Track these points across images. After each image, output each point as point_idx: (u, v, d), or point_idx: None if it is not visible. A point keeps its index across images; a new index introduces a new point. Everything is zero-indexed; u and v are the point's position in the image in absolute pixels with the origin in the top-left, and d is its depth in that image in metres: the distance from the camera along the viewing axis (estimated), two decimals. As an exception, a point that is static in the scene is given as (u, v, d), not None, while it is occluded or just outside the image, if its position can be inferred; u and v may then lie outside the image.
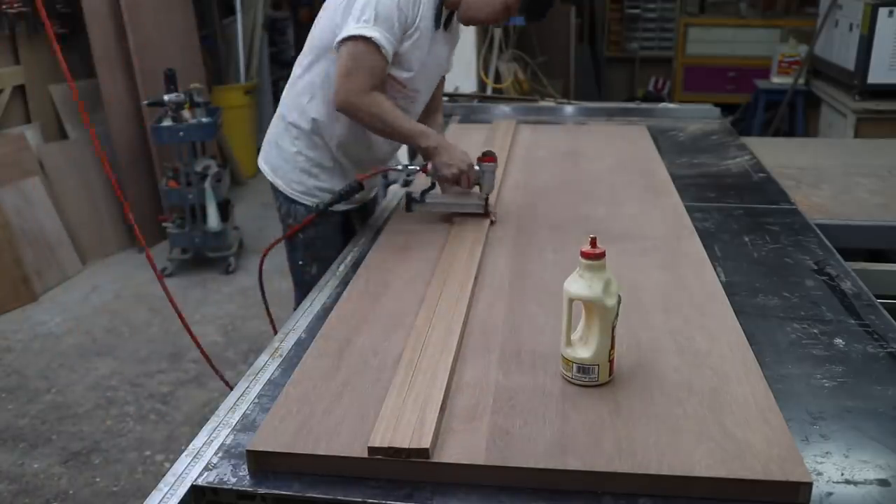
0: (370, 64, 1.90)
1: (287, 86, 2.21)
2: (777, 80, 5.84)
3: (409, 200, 2.09)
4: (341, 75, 1.91)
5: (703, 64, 7.26)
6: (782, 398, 1.28)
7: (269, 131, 2.28)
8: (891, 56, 4.46)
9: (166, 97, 4.24)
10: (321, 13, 2.07)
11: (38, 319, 4.01)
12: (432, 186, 2.10)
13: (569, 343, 1.31)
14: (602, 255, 1.27)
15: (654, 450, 1.13)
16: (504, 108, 3.73)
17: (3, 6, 4.33)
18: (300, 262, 2.29)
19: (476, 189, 2.08)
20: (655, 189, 2.39)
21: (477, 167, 2.04)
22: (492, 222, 2.05)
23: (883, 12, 4.41)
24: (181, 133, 4.29)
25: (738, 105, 6.20)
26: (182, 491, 1.13)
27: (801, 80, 5.50)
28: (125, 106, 4.77)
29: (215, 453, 1.21)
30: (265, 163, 2.28)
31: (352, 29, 1.86)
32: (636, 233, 2.02)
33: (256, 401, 1.36)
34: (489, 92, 4.90)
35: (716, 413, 1.22)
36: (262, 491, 1.13)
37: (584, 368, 1.29)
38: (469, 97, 4.33)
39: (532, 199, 2.31)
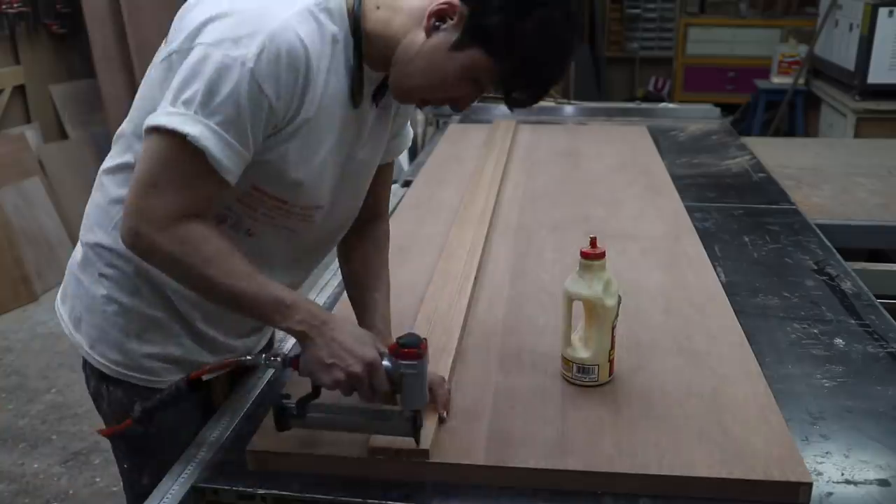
0: (187, 175, 1.07)
1: (93, 190, 1.41)
2: (777, 80, 5.84)
3: (281, 415, 1.14)
4: (138, 188, 1.08)
5: (703, 64, 7.26)
6: (782, 398, 1.28)
7: (71, 258, 1.46)
8: (891, 56, 4.46)
9: (166, 97, 4.23)
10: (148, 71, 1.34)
11: (38, 319, 4.01)
12: (316, 393, 1.15)
13: (569, 343, 1.31)
14: (602, 255, 1.27)
15: (654, 450, 1.13)
16: (504, 108, 3.71)
17: (3, 6, 4.33)
18: (125, 466, 1.53)
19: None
20: (655, 189, 2.39)
21: (388, 364, 1.11)
22: (441, 421, 1.20)
23: (883, 12, 4.40)
24: (181, 133, 4.28)
25: (738, 105, 6.20)
26: (182, 491, 1.13)
27: (801, 80, 5.50)
28: (125, 106, 4.74)
29: (215, 453, 1.21)
30: (63, 308, 1.50)
31: (162, 114, 1.07)
32: (636, 233, 2.02)
33: (256, 401, 1.35)
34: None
35: (716, 413, 1.22)
36: (262, 491, 1.13)
37: (584, 369, 1.29)
38: (469, 97, 4.32)
39: (532, 199, 2.30)
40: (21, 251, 4.16)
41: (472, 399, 1.27)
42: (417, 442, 1.11)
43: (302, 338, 1.11)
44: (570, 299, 1.29)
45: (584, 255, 1.27)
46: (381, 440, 1.14)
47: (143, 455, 1.39)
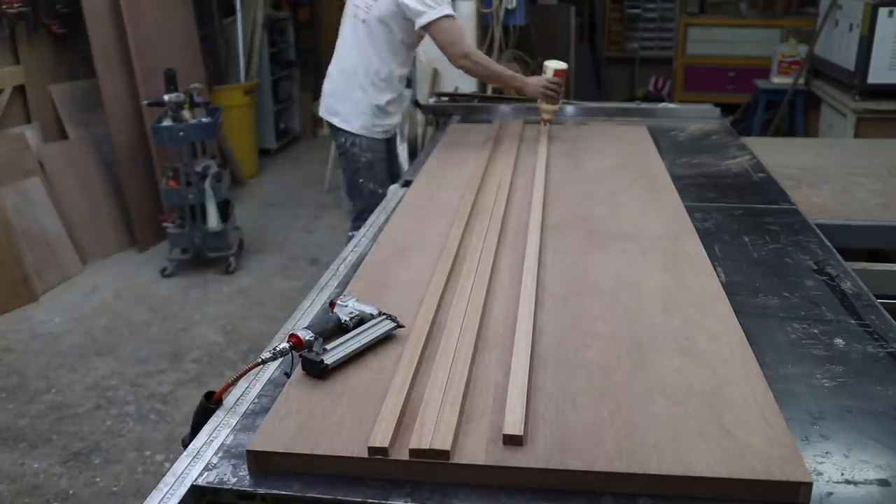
0: (460, 29, 2.96)
1: (343, 55, 3.14)
2: (777, 80, 5.85)
3: (314, 362, 1.36)
4: (451, 45, 2.89)
5: (703, 64, 7.27)
6: (782, 398, 1.28)
7: (337, 93, 3.17)
8: (891, 56, 4.46)
9: (166, 97, 4.24)
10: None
11: (38, 319, 4.01)
12: (338, 330, 1.48)
13: None
14: None
15: (654, 450, 1.13)
16: (504, 108, 3.73)
17: (3, 6, 4.33)
18: (361, 181, 3.19)
19: (376, 318, 1.52)
20: (655, 189, 2.39)
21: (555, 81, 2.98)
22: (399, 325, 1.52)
23: (883, 12, 4.41)
24: (181, 133, 4.29)
25: (738, 105, 6.20)
26: (182, 491, 1.13)
27: (801, 80, 5.50)
28: (125, 106, 4.77)
29: (215, 453, 1.21)
30: (328, 112, 3.23)
31: (434, 13, 2.82)
32: (636, 233, 2.02)
33: (256, 401, 1.36)
34: (489, 92, 4.89)
35: (716, 413, 1.22)
36: (262, 491, 1.13)
37: None
38: (469, 97, 4.33)
39: (532, 199, 2.30)
40: (21, 251, 4.16)
41: (472, 399, 1.27)
42: (401, 325, 1.49)
43: (524, 84, 3.03)
44: None
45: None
46: (381, 440, 1.14)
47: (371, 170, 3.24)
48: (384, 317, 1.50)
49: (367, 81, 3.08)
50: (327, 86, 3.24)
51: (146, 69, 4.71)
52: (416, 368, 1.35)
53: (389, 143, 3.35)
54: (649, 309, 1.57)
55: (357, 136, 3.15)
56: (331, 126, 3.25)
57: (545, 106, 3.03)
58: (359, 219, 3.14)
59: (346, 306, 1.51)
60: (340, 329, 1.46)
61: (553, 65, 3.01)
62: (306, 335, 1.37)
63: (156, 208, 4.84)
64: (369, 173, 3.19)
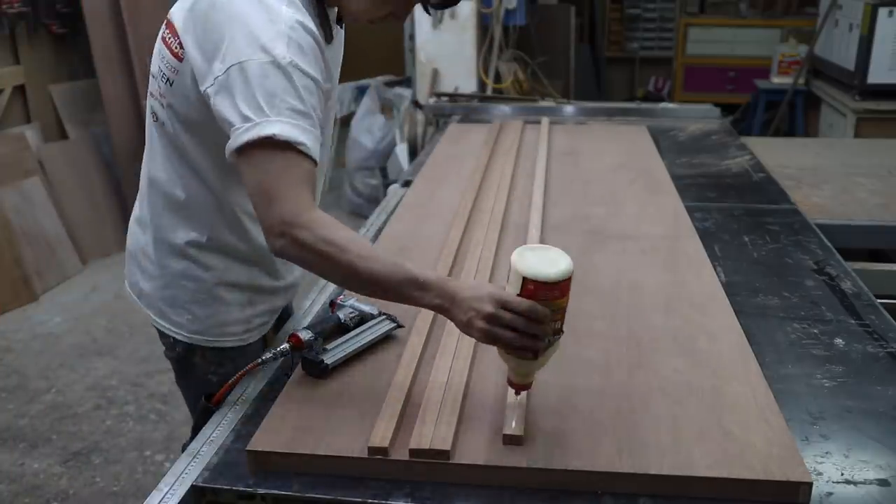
0: (301, 174, 1.18)
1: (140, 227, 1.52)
2: (777, 80, 5.84)
3: (314, 362, 1.33)
4: (264, 207, 1.18)
5: (703, 64, 7.26)
6: (782, 398, 1.28)
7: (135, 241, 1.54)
8: (891, 56, 4.46)
9: (166, 97, 4.24)
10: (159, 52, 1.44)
11: (38, 319, 4.01)
12: (339, 330, 1.44)
13: None
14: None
15: (654, 450, 1.13)
16: (504, 108, 3.73)
17: (3, 6, 4.33)
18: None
19: (376, 318, 1.46)
20: (655, 189, 2.39)
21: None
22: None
23: (883, 12, 4.41)
24: (181, 133, 4.28)
25: (738, 105, 6.20)
26: (182, 491, 1.13)
27: (801, 80, 5.50)
28: (125, 106, 4.77)
29: (215, 453, 1.21)
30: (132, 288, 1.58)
31: (253, 129, 1.15)
32: (636, 233, 2.02)
33: (256, 401, 1.36)
34: (489, 92, 4.90)
35: (716, 413, 1.22)
36: (262, 491, 1.13)
37: None
38: (469, 97, 4.33)
39: (531, 199, 2.30)
40: (21, 251, 4.16)
41: (472, 399, 1.27)
42: (401, 325, 1.44)
43: (440, 310, 1.20)
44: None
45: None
46: (381, 440, 1.14)
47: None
48: (384, 317, 1.50)
49: (171, 241, 1.46)
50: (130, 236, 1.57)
51: (146, 69, 4.70)
52: (416, 368, 1.35)
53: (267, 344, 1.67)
54: (649, 309, 1.57)
55: (190, 341, 1.53)
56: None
57: (512, 362, 1.19)
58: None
59: (345, 306, 1.51)
60: (340, 329, 1.46)
61: (529, 269, 1.17)
62: (306, 335, 1.37)
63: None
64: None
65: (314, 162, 1.20)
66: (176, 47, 1.30)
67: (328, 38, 1.31)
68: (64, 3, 4.71)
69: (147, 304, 1.53)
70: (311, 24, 1.23)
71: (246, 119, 1.16)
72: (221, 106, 1.19)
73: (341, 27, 1.44)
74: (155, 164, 1.43)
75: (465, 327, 1.17)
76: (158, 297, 1.50)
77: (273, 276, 1.53)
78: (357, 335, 1.44)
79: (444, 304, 1.18)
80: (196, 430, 1.29)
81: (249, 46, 1.17)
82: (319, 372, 1.34)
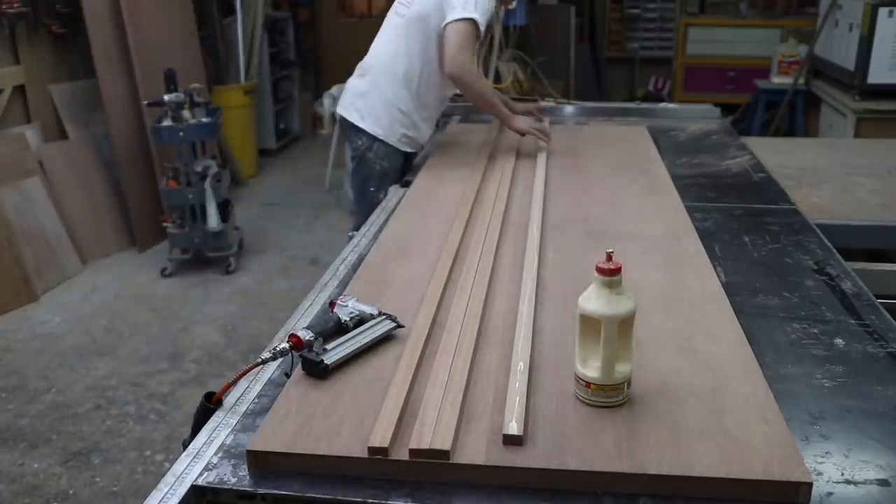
0: (473, 42, 2.66)
1: (379, 53, 2.89)
2: (777, 80, 5.85)
3: (314, 362, 1.37)
4: (454, 47, 2.61)
5: (703, 64, 7.27)
6: (782, 398, 1.28)
7: (358, 88, 2.92)
8: (891, 56, 4.46)
9: (166, 97, 4.24)
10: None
11: (38, 319, 4.01)
12: (339, 330, 1.49)
13: (587, 364, 1.24)
14: (619, 270, 1.19)
15: (654, 450, 1.13)
16: (504, 108, 3.72)
17: (3, 6, 4.33)
18: (372, 189, 2.89)
19: (376, 318, 1.52)
20: (655, 189, 2.39)
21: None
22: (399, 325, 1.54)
23: (883, 12, 4.41)
24: (181, 133, 4.29)
25: (738, 105, 6.20)
26: (182, 491, 1.13)
27: (801, 80, 5.50)
28: (125, 106, 4.77)
29: (215, 453, 1.21)
30: (350, 108, 2.93)
31: (461, 12, 2.60)
32: (636, 233, 2.02)
33: (256, 401, 1.36)
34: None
35: (716, 413, 1.22)
36: (262, 491, 1.13)
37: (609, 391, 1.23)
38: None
39: (531, 199, 2.30)
40: (21, 251, 4.16)
41: (472, 399, 1.27)
42: (401, 325, 1.50)
43: (508, 116, 2.84)
44: (587, 318, 1.21)
45: (599, 270, 1.20)
46: (381, 440, 1.14)
47: (385, 180, 2.88)
48: (384, 317, 1.51)
49: (399, 84, 2.81)
50: (353, 81, 2.95)
51: (146, 69, 4.71)
52: (416, 368, 1.35)
53: (409, 158, 2.99)
54: (649, 309, 1.57)
55: (376, 140, 2.85)
56: (348, 125, 2.93)
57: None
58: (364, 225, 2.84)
59: (346, 306, 1.52)
60: (340, 329, 1.46)
61: None
62: (306, 335, 1.37)
63: (156, 208, 4.84)
64: (381, 183, 2.88)
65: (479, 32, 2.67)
66: None
67: None
68: (64, 3, 4.71)
69: (359, 116, 2.91)
70: None
71: (465, 6, 2.62)
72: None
73: None
74: (387, 48, 2.86)
75: (520, 127, 2.81)
76: (371, 111, 2.89)
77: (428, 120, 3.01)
78: (357, 335, 1.44)
79: (508, 115, 2.84)
80: (195, 429, 1.30)
81: None
82: (319, 372, 1.34)
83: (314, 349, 1.37)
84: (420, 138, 2.95)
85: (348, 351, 1.40)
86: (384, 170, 2.88)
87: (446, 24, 2.62)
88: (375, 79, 2.86)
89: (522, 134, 2.79)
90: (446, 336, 1.45)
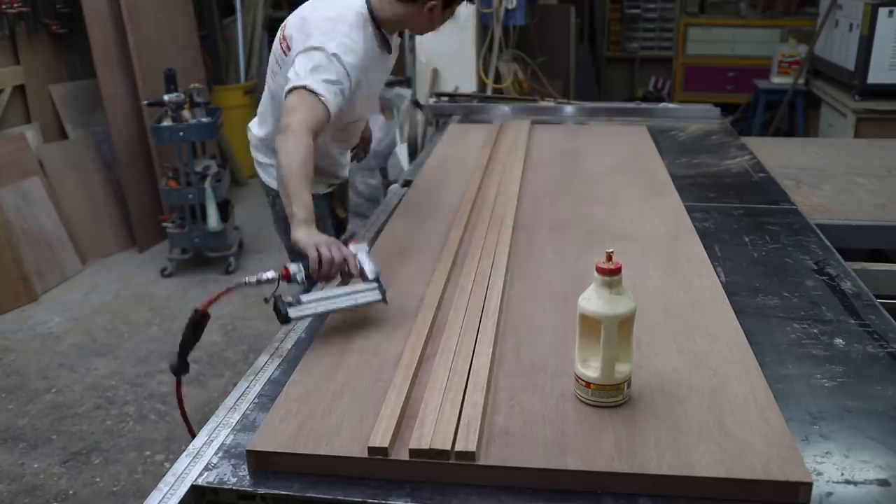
0: (312, 112, 1.83)
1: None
2: (777, 80, 5.84)
3: (279, 308, 1.46)
4: (287, 113, 1.83)
5: (703, 64, 7.27)
6: (782, 398, 1.28)
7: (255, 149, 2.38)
8: (891, 56, 4.46)
9: (166, 97, 4.24)
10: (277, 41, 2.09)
11: (38, 319, 4.01)
12: (310, 283, 1.62)
13: (587, 364, 1.24)
14: (619, 271, 1.20)
15: (654, 450, 1.13)
16: (504, 108, 3.73)
17: (3, 6, 4.33)
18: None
19: (367, 283, 1.57)
20: (655, 189, 2.39)
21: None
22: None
23: (883, 12, 4.41)
24: (181, 133, 4.29)
25: (738, 105, 6.20)
26: (182, 491, 1.13)
27: (801, 80, 5.50)
28: (125, 106, 4.77)
29: (215, 453, 1.21)
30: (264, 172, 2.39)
31: (300, 79, 1.83)
32: (636, 233, 2.02)
33: (256, 401, 1.36)
34: (489, 92, 4.90)
35: (716, 413, 1.22)
36: (262, 491, 1.13)
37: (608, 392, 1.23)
38: (469, 97, 4.33)
39: (532, 198, 2.30)
40: (21, 251, 4.16)
41: (471, 399, 1.27)
42: (385, 300, 1.53)
43: (292, 225, 1.66)
44: (587, 318, 1.22)
45: (599, 270, 1.21)
46: (381, 440, 1.14)
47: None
48: (377, 285, 1.53)
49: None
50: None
51: (146, 69, 4.71)
52: (416, 368, 1.35)
53: (332, 199, 2.43)
54: (649, 309, 1.57)
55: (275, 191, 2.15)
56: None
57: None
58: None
59: (358, 249, 1.59)
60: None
61: None
62: (294, 268, 1.48)
63: (156, 208, 4.84)
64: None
65: (326, 108, 1.84)
66: (285, 47, 2.02)
67: (387, 49, 2.10)
68: (64, 3, 4.71)
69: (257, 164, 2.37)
70: (361, 40, 1.93)
71: (297, 75, 1.85)
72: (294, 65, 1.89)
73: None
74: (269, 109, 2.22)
75: (296, 243, 1.63)
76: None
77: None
78: (338, 296, 1.48)
79: (295, 225, 1.66)
80: (185, 346, 1.52)
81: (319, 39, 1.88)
82: (281, 319, 1.44)
83: (290, 298, 1.45)
84: (336, 171, 2.36)
85: (318, 311, 1.46)
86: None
87: (286, 91, 1.88)
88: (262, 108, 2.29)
89: (321, 279, 1.67)
90: (446, 336, 1.45)
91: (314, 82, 1.83)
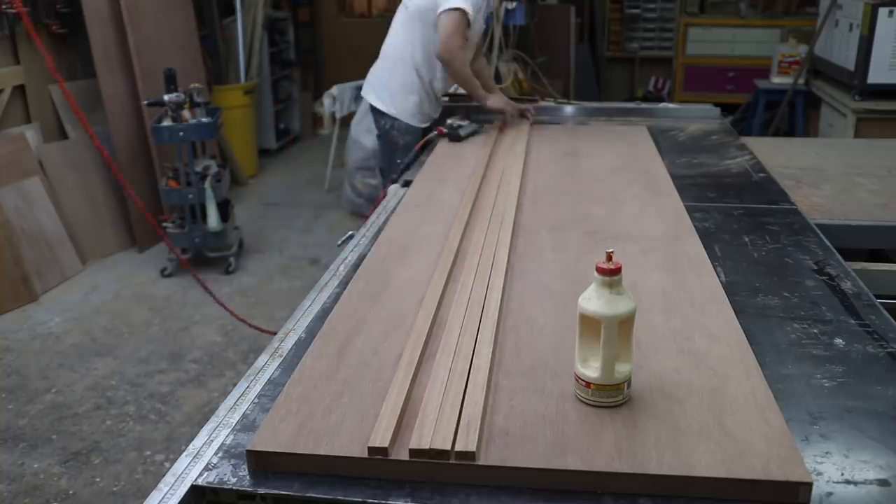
0: (463, 29, 3.02)
1: (390, 42, 3.35)
2: (777, 80, 5.85)
3: (454, 131, 3.04)
4: (445, 34, 3.00)
5: (703, 64, 7.27)
6: (782, 398, 1.28)
7: (376, 74, 3.43)
8: (891, 56, 4.46)
9: (166, 97, 4.24)
10: None
11: (38, 319, 4.01)
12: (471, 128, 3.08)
13: (587, 365, 1.24)
14: (618, 271, 1.20)
15: (654, 450, 1.13)
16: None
17: (3, 6, 4.33)
18: (398, 161, 3.23)
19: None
20: (655, 189, 2.39)
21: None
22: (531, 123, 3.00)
23: (883, 12, 4.41)
24: (181, 133, 4.29)
25: (738, 105, 6.20)
26: (182, 491, 1.13)
27: (801, 80, 5.50)
28: (125, 106, 4.77)
29: (215, 453, 1.21)
30: (371, 94, 3.43)
31: (451, 2, 2.96)
32: (636, 233, 2.02)
33: (256, 401, 1.36)
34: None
35: (716, 413, 1.22)
36: (262, 491, 1.13)
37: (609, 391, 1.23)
38: (469, 97, 4.32)
39: (532, 198, 2.30)
40: (21, 251, 4.16)
41: (471, 399, 1.27)
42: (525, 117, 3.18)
43: (485, 98, 3.27)
44: (587, 318, 1.22)
45: (599, 270, 1.21)
46: (381, 440, 1.14)
47: (407, 151, 3.28)
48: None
49: (409, 69, 3.26)
50: (373, 69, 3.44)
51: (146, 69, 4.71)
52: (416, 368, 1.35)
53: (425, 131, 3.40)
54: (649, 309, 1.57)
55: (396, 120, 3.33)
56: (371, 108, 3.43)
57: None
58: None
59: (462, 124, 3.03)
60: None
61: None
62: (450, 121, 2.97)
63: (156, 208, 4.84)
64: (405, 153, 3.29)
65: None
66: None
67: None
68: (64, 3, 4.71)
69: (380, 100, 3.40)
70: None
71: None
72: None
73: None
74: (397, 37, 3.34)
75: (495, 104, 3.27)
76: (389, 95, 3.38)
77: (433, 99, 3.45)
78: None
79: (486, 97, 3.26)
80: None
81: None
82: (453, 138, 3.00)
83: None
84: (433, 113, 3.43)
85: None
86: (407, 143, 3.34)
87: (439, 14, 3.02)
88: (390, 65, 3.34)
89: (500, 112, 3.24)
90: (446, 336, 1.45)
91: (463, 2, 2.97)
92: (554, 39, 6.79)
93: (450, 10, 2.98)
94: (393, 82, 3.33)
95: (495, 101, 3.27)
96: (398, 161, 3.26)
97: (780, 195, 2.41)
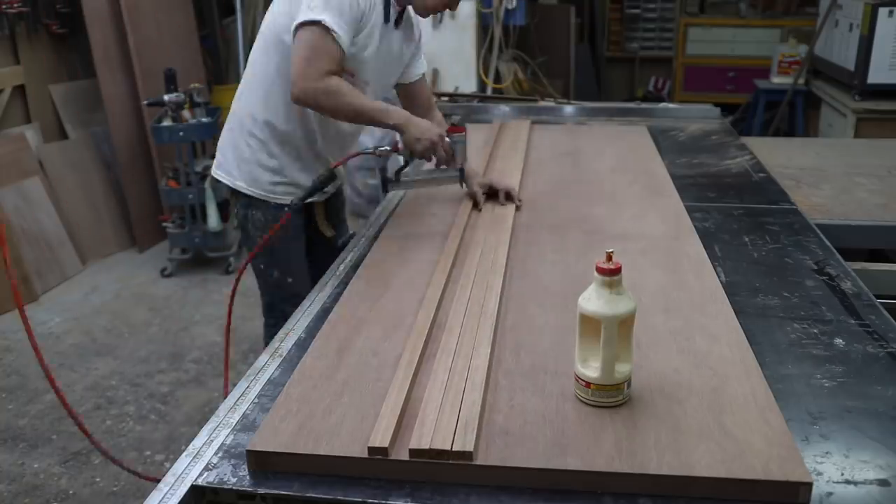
0: (326, 49, 1.86)
1: (241, 87, 2.18)
2: (777, 80, 5.84)
3: (385, 181, 2.27)
4: (298, 62, 1.87)
5: (703, 64, 7.27)
6: (782, 398, 1.28)
7: (222, 138, 2.24)
8: (891, 56, 4.46)
9: (166, 97, 4.24)
10: (269, 10, 2.07)
11: (38, 319, 4.01)
12: (406, 165, 2.15)
13: (587, 365, 1.24)
14: (618, 271, 1.20)
15: (654, 450, 1.13)
16: (504, 108, 3.73)
17: (3, 6, 4.33)
18: (261, 267, 2.28)
19: (448, 172, 2.21)
20: (655, 189, 2.39)
21: (447, 139, 2.08)
22: (517, 208, 2.20)
23: (883, 12, 4.41)
24: (181, 133, 4.29)
25: (738, 105, 6.20)
26: (182, 491, 1.13)
27: (801, 80, 5.50)
28: (125, 106, 4.77)
29: (215, 453, 1.21)
30: (220, 169, 2.24)
31: (309, 13, 1.85)
32: (636, 233, 2.02)
33: (256, 401, 1.36)
34: (489, 92, 4.90)
35: (716, 413, 1.22)
36: (262, 491, 1.13)
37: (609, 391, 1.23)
38: (469, 97, 4.33)
39: (532, 198, 2.30)
40: (21, 251, 4.16)
41: (471, 398, 1.27)
42: (462, 185, 2.23)
43: (401, 128, 2.00)
44: (587, 318, 1.22)
45: (599, 270, 1.21)
46: (381, 440, 1.14)
47: (274, 254, 2.23)
48: (458, 173, 2.16)
49: (247, 116, 2.14)
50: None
51: (146, 69, 4.71)
52: (416, 368, 1.35)
53: (309, 210, 2.31)
54: (649, 309, 1.57)
55: (249, 197, 2.18)
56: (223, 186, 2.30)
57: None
58: (270, 314, 2.38)
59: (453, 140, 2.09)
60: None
61: None
62: (402, 145, 2.03)
63: (156, 208, 4.84)
64: (270, 259, 2.23)
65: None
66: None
67: (386, 18, 2.03)
68: (64, 3, 4.71)
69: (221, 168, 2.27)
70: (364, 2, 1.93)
71: (310, 7, 1.86)
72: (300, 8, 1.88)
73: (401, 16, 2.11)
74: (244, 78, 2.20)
75: (414, 142, 2.00)
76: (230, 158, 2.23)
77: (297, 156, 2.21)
78: (425, 178, 2.24)
79: (401, 123, 2.00)
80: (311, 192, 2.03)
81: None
82: (385, 189, 2.26)
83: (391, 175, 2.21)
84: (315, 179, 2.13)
85: (407, 189, 2.28)
86: (270, 239, 2.06)
87: (293, 32, 1.91)
88: (234, 119, 2.18)
89: (422, 151, 2.03)
90: (446, 336, 1.45)
91: (315, 11, 1.85)
92: (554, 39, 6.79)
93: (305, 24, 1.86)
94: (243, 151, 2.16)
95: (420, 130, 2.01)
96: (260, 266, 2.30)
97: (780, 195, 2.41)
